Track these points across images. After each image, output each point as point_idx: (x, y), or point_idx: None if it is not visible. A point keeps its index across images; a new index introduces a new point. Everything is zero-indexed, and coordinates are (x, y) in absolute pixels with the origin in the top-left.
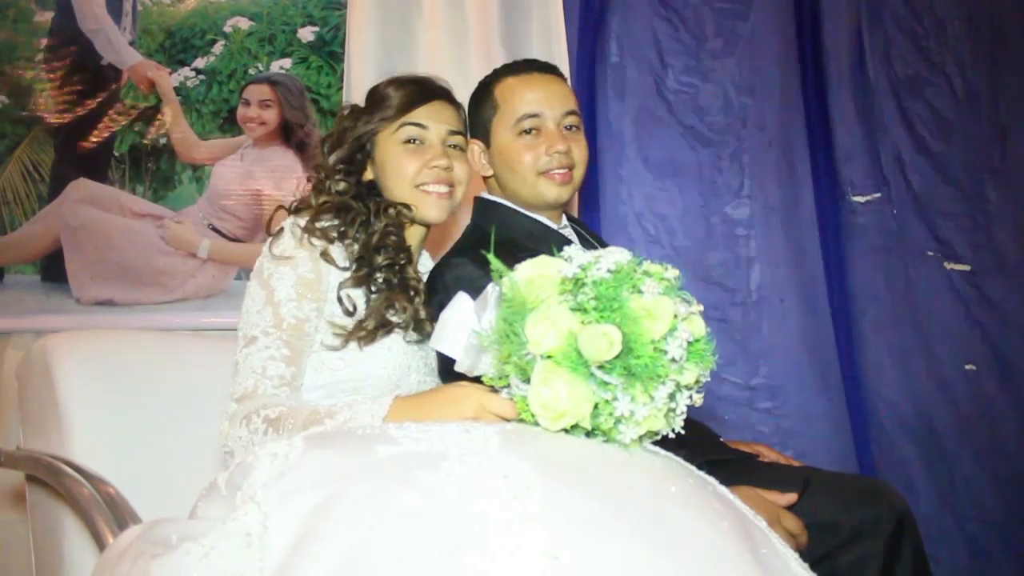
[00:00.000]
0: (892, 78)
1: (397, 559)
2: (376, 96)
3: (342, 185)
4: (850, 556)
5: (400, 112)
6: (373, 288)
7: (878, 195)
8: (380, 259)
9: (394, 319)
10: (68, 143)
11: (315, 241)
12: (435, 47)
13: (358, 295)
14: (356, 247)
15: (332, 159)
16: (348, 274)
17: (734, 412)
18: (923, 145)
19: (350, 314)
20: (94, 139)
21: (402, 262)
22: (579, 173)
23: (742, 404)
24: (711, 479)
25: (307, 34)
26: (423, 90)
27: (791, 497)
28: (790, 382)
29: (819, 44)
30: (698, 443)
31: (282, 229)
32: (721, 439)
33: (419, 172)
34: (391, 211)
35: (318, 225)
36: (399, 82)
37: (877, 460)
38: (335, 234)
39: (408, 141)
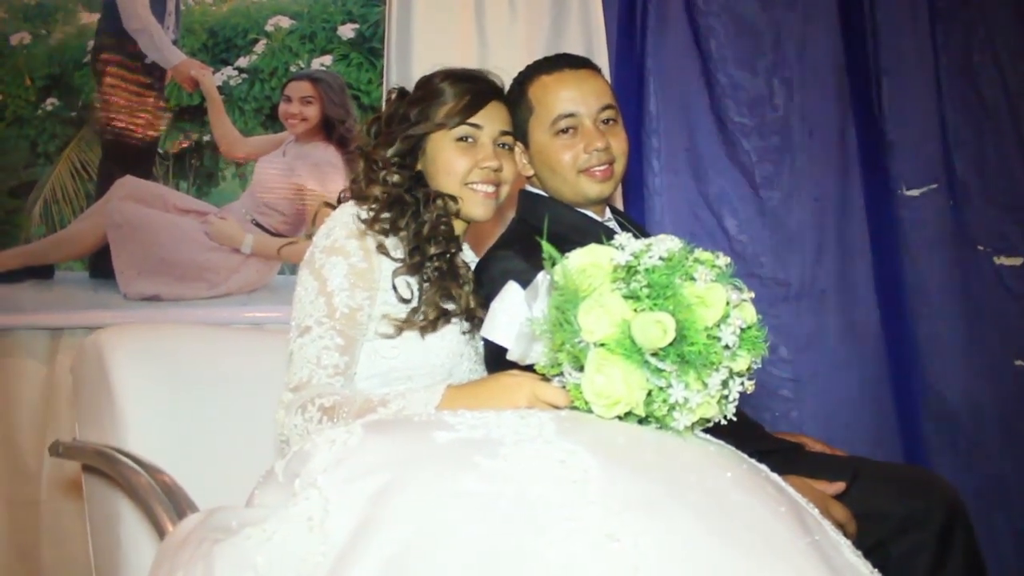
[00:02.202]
0: (944, 68)
1: (458, 543)
2: (430, 89)
3: (396, 177)
4: (901, 547)
5: (459, 117)
6: (425, 277)
7: (933, 186)
8: (432, 249)
9: (450, 307)
10: (114, 142)
11: (374, 234)
12: (472, 41)
13: (412, 283)
14: (408, 236)
15: (390, 152)
16: (400, 263)
17: (778, 404)
18: (976, 137)
19: (405, 301)
20: (139, 137)
21: (452, 251)
22: (620, 167)
23: (786, 396)
24: (763, 466)
25: (347, 31)
26: (480, 93)
27: (839, 486)
28: (834, 375)
29: (868, 35)
30: (743, 433)
31: (329, 218)
32: (766, 430)
33: (470, 171)
34: (439, 202)
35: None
36: (454, 78)
37: (925, 453)
38: (388, 226)
39: (461, 139)
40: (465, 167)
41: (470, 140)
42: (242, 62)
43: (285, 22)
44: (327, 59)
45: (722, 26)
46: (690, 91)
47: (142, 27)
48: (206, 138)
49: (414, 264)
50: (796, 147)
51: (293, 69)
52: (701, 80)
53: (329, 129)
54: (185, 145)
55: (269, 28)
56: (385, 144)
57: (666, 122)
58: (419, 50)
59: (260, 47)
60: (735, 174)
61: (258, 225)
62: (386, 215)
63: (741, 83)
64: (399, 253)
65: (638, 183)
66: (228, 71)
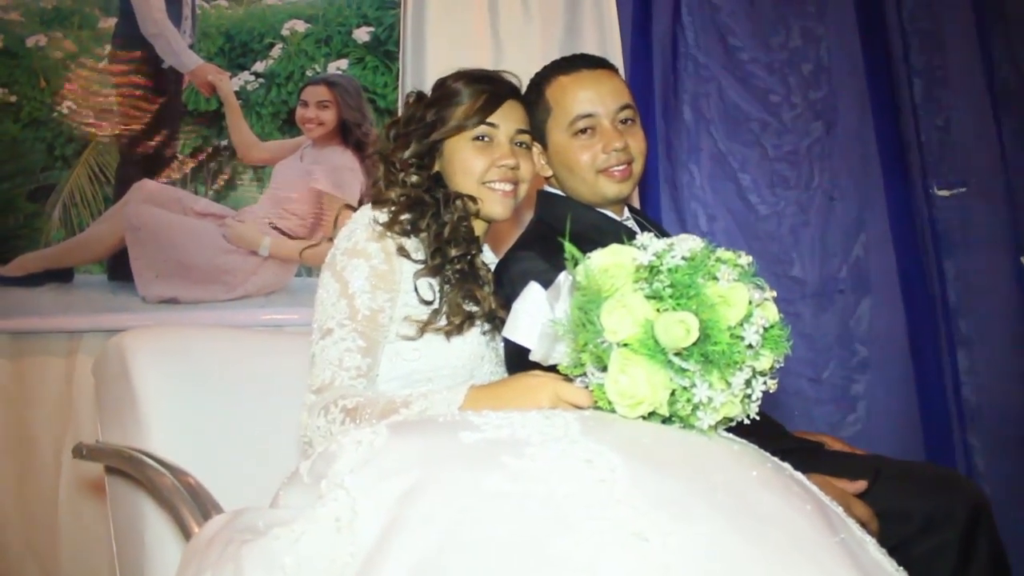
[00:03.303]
0: (983, 68)
1: (487, 543)
2: (446, 91)
3: (415, 178)
4: (924, 546)
5: (476, 117)
6: (446, 279)
7: (962, 189)
8: (453, 250)
9: (473, 309)
10: (132, 146)
11: (394, 236)
12: (487, 42)
13: (433, 285)
14: (429, 238)
15: (407, 154)
16: (422, 265)
17: (798, 403)
18: (1008, 138)
19: (427, 303)
20: (157, 141)
21: (473, 252)
22: (638, 166)
23: (806, 395)
24: (786, 464)
25: (362, 34)
26: (497, 93)
27: (861, 485)
28: (856, 374)
29: (896, 34)
30: (764, 432)
31: (350, 220)
32: (786, 429)
33: (487, 170)
34: (458, 202)
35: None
36: (470, 79)
37: (949, 453)
38: (408, 227)
39: (478, 138)
40: (482, 166)
41: (487, 139)
42: (258, 67)
43: (301, 26)
44: (343, 63)
45: (739, 24)
46: (710, 90)
47: (158, 31)
48: (224, 143)
49: (435, 266)
50: (815, 145)
51: (309, 73)
52: (721, 78)
53: (346, 133)
54: (203, 151)
55: (285, 32)
56: (403, 147)
57: (685, 121)
58: (434, 52)
59: (276, 51)
60: (753, 173)
61: (276, 228)
62: (406, 216)
63: (762, 82)
64: (420, 255)
65: (655, 183)
66: (245, 76)
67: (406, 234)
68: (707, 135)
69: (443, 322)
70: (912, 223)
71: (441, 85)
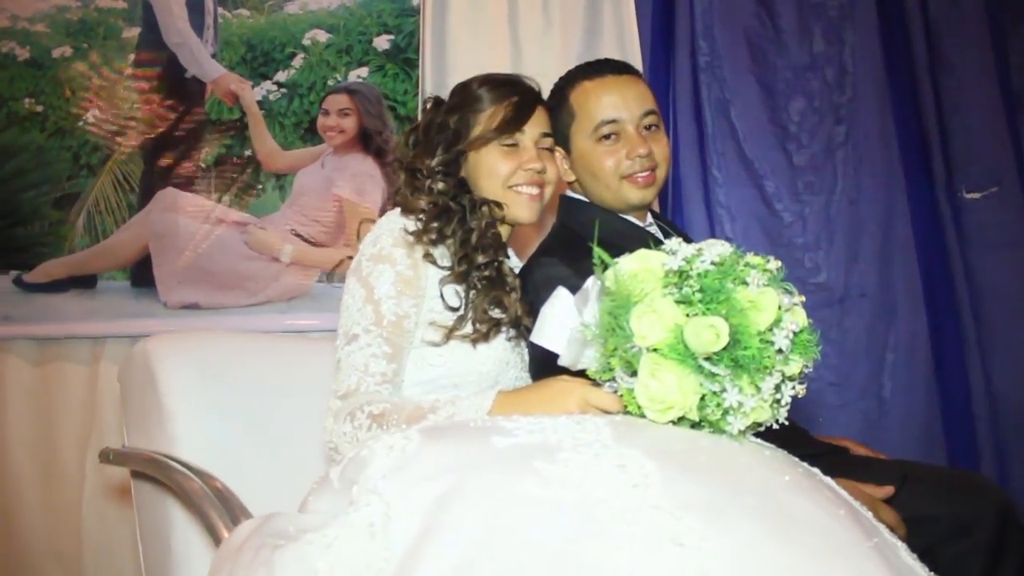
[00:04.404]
0: (1010, 69)
1: (522, 548)
2: (468, 96)
3: (442, 185)
4: (951, 551)
5: (506, 129)
6: (473, 285)
7: (994, 189)
8: (480, 257)
9: (499, 316)
10: (156, 154)
11: (423, 244)
12: (507, 49)
13: (459, 291)
14: (455, 245)
15: (434, 162)
16: (448, 271)
17: (821, 409)
18: None
19: (453, 310)
20: (180, 150)
21: (500, 258)
22: (662, 173)
23: (829, 401)
24: (815, 469)
25: (382, 42)
26: (523, 105)
27: (888, 490)
28: (879, 378)
29: (920, 37)
30: (790, 437)
31: (375, 226)
32: (811, 434)
33: (513, 174)
34: (484, 208)
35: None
36: (492, 84)
37: (972, 457)
38: (436, 236)
39: (505, 144)
40: (508, 170)
41: (513, 144)
42: (280, 76)
43: (322, 35)
44: (363, 71)
45: (761, 28)
46: (733, 95)
47: (181, 41)
48: (246, 151)
49: (462, 272)
50: (838, 151)
51: (330, 82)
52: (744, 84)
53: (366, 140)
54: (226, 160)
55: (306, 42)
56: (426, 153)
57: (708, 127)
58: (454, 59)
59: (298, 61)
60: (776, 179)
61: (297, 235)
62: (435, 225)
63: (781, 86)
64: (446, 261)
65: (677, 188)
66: (267, 86)
67: (434, 243)
68: (730, 140)
69: (469, 329)
70: (936, 227)
71: (462, 90)
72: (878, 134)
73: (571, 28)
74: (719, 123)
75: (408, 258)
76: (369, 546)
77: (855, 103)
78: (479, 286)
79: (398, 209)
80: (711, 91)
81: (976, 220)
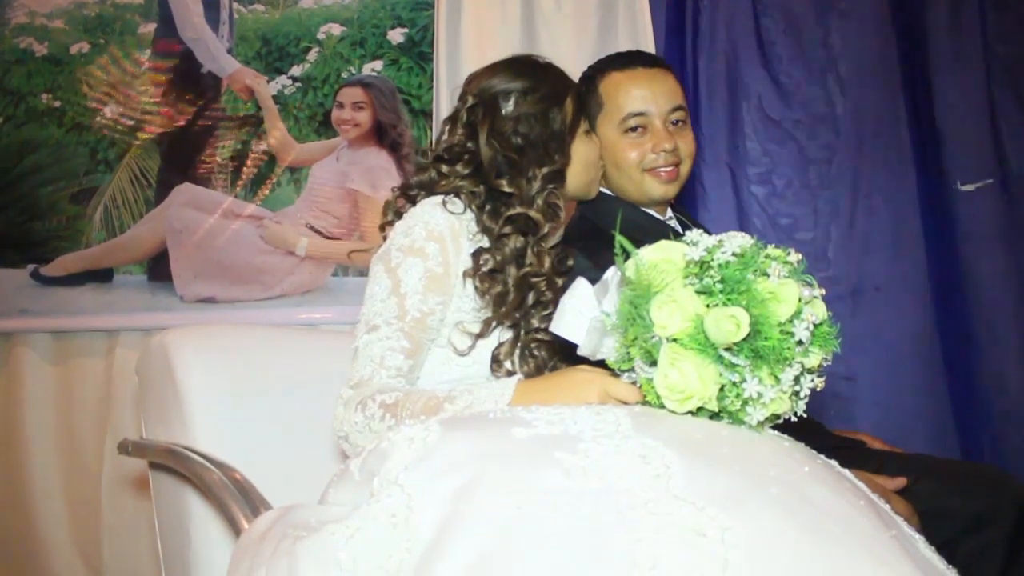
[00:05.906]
0: (998, 60)
1: (544, 539)
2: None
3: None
4: (970, 545)
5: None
6: (522, 339)
7: (988, 181)
8: (535, 321)
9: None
10: (172, 149)
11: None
12: (521, 42)
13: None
14: (505, 278)
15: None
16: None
17: (834, 403)
18: None
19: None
20: (196, 145)
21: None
22: (686, 168)
23: (842, 394)
24: (833, 461)
25: (397, 36)
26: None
27: (900, 481)
28: (891, 372)
29: (918, 31)
30: (805, 430)
31: (408, 215)
32: (827, 427)
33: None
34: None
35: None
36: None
37: (983, 449)
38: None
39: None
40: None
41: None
42: (295, 70)
43: (336, 29)
44: (378, 64)
45: (773, 23)
46: (743, 88)
47: (197, 36)
48: (262, 146)
49: (501, 314)
50: (849, 144)
51: (344, 76)
52: (753, 76)
53: (381, 134)
54: (242, 155)
55: (321, 36)
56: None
57: (720, 120)
58: (468, 53)
59: (312, 55)
60: (787, 172)
61: (312, 229)
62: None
63: (793, 80)
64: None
65: (691, 182)
66: (283, 80)
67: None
68: (741, 134)
69: (496, 341)
70: (947, 221)
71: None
72: (890, 128)
73: (585, 22)
74: (730, 117)
75: (441, 254)
76: (391, 537)
77: (866, 96)
78: (531, 347)
79: (437, 198)
80: (721, 85)
81: (981, 214)
